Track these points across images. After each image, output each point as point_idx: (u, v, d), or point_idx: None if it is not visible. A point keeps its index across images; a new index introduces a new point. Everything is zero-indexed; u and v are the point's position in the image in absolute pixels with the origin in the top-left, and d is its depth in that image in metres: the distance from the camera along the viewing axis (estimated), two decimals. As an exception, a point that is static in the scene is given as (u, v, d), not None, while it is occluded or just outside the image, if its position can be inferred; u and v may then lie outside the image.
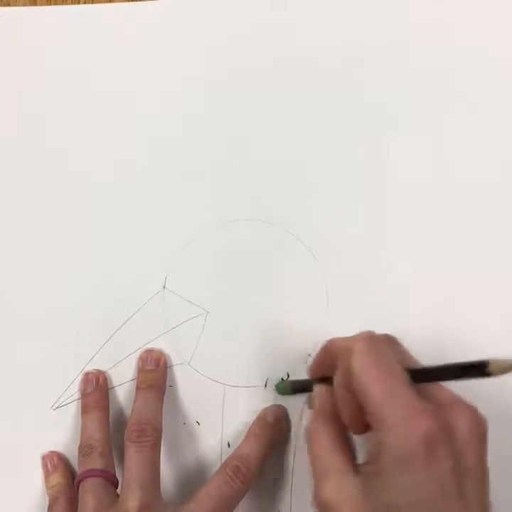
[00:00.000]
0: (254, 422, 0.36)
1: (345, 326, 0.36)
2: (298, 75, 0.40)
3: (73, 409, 0.37)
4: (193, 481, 0.37)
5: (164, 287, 0.38)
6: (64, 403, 0.38)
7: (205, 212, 0.39)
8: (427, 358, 0.36)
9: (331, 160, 0.39)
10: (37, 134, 0.40)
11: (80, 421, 0.36)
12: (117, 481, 0.34)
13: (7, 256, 0.39)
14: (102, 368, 0.38)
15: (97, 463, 0.34)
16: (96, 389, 0.37)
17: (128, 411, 0.37)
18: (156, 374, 0.37)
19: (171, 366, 0.37)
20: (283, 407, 0.36)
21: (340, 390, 0.28)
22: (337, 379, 0.29)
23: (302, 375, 0.36)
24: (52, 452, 0.37)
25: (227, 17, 0.41)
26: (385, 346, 0.28)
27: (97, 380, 0.37)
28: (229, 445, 0.37)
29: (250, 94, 0.40)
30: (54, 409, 0.38)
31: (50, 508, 0.35)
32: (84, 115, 0.40)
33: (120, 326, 0.38)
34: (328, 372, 0.30)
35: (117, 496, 0.33)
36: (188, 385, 0.37)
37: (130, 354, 0.38)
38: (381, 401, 0.26)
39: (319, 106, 0.39)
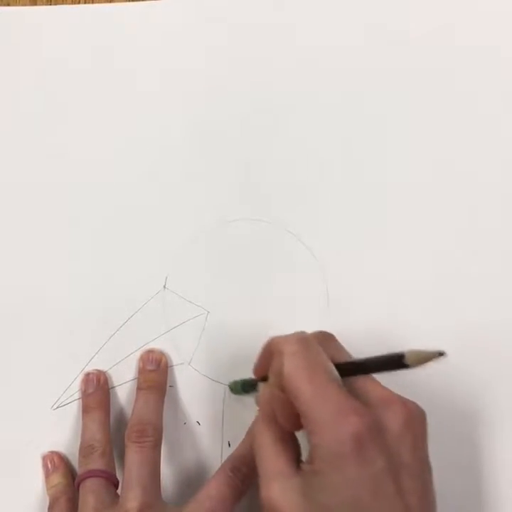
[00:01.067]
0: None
1: (346, 326, 0.37)
2: (298, 75, 0.40)
3: (73, 409, 0.37)
4: (193, 481, 0.37)
5: (165, 287, 0.38)
6: (64, 403, 0.38)
7: (206, 212, 0.39)
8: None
9: (331, 159, 0.39)
10: (36, 134, 0.40)
11: (81, 421, 0.36)
12: (118, 482, 0.34)
13: (7, 256, 0.39)
14: (102, 367, 0.38)
15: (97, 463, 0.34)
16: (97, 389, 0.37)
17: (128, 411, 0.37)
18: (156, 374, 0.37)
19: (172, 366, 0.37)
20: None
21: (273, 391, 0.28)
22: (270, 380, 0.29)
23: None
24: (53, 452, 0.37)
25: (228, 17, 0.41)
26: (315, 347, 0.28)
27: (98, 380, 0.37)
28: (229, 445, 0.37)
29: (250, 94, 0.40)
30: (54, 409, 0.37)
31: (51, 508, 0.35)
32: (83, 115, 0.40)
33: (120, 325, 0.38)
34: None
35: (118, 496, 0.33)
36: (189, 385, 0.37)
37: (130, 354, 0.38)
38: (310, 402, 0.26)
39: (319, 106, 0.39)
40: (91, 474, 0.33)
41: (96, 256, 0.39)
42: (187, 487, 0.37)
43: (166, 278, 0.38)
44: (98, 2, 0.42)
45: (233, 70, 0.40)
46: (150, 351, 0.37)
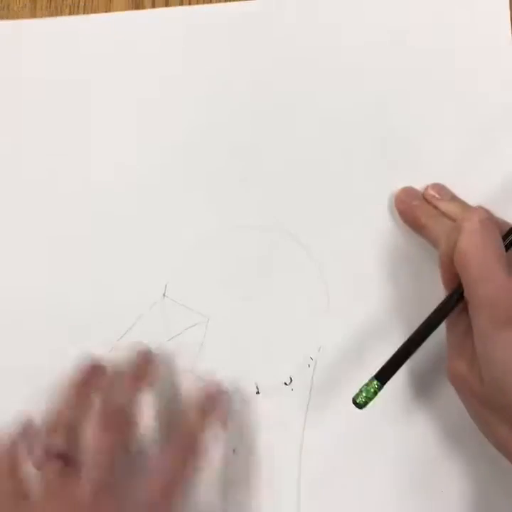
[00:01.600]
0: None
1: (347, 327, 0.36)
2: (298, 77, 0.39)
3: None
4: (197, 488, 0.36)
5: (164, 295, 0.38)
6: (68, 414, 0.38)
7: (204, 219, 0.39)
8: (428, 354, 0.35)
9: (330, 161, 0.38)
10: (37, 145, 0.40)
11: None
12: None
13: (6, 265, 0.39)
14: (105, 378, 0.38)
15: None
16: None
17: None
18: None
19: (174, 374, 0.37)
20: None
21: (442, 256, 0.32)
22: (441, 247, 0.32)
23: (304, 379, 0.36)
24: None
25: (227, 21, 0.40)
26: (493, 228, 0.30)
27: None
28: (234, 452, 0.36)
29: (251, 98, 0.39)
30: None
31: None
32: (83, 124, 0.40)
33: (121, 335, 0.38)
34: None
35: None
36: (192, 393, 0.37)
37: (132, 363, 0.38)
38: (476, 281, 0.29)
39: (319, 107, 0.39)
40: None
41: (94, 265, 0.39)
42: (191, 494, 0.36)
43: (166, 286, 0.38)
44: (95, 12, 0.42)
45: (233, 75, 0.40)
46: None
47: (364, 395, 0.31)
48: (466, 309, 0.30)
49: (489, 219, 0.30)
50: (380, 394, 0.35)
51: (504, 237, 0.31)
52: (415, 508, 0.35)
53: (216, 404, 0.36)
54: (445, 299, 0.32)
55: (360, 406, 0.31)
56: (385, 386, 0.35)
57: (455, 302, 0.31)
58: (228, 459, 0.36)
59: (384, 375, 0.31)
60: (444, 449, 0.35)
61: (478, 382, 0.29)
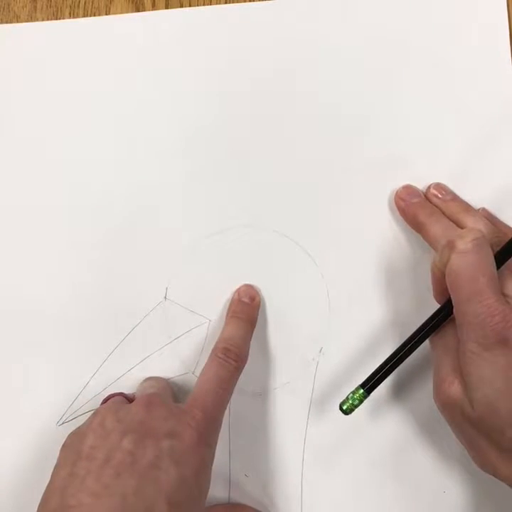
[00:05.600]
0: (230, 305, 0.37)
1: (348, 329, 0.37)
2: (297, 77, 0.40)
3: (78, 425, 0.37)
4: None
5: (165, 298, 0.38)
6: (69, 419, 0.37)
7: (204, 221, 0.39)
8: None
9: (330, 161, 0.39)
10: (38, 146, 0.40)
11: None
12: None
13: (6, 270, 0.39)
14: (106, 381, 0.38)
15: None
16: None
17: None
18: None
19: (176, 376, 0.38)
20: (253, 285, 0.38)
21: (434, 269, 0.32)
22: (434, 261, 0.32)
23: (306, 380, 0.37)
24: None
25: (227, 22, 0.41)
26: (486, 249, 0.30)
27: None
28: (237, 451, 0.37)
29: (250, 99, 0.40)
30: (59, 425, 0.37)
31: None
32: (83, 126, 0.40)
33: (123, 338, 0.38)
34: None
35: None
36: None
37: (134, 366, 0.38)
38: (465, 302, 0.29)
39: (319, 107, 0.39)
40: None
41: (95, 270, 0.39)
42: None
43: (167, 288, 0.38)
44: (95, 15, 0.41)
45: (233, 76, 0.40)
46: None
47: (350, 402, 0.32)
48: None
49: (483, 238, 0.30)
50: (382, 394, 0.36)
51: (497, 254, 0.31)
52: (417, 507, 0.36)
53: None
54: (434, 314, 0.32)
55: (345, 412, 0.32)
56: (387, 386, 0.36)
57: (444, 317, 0.32)
58: (231, 456, 0.37)
59: (370, 385, 0.32)
60: (444, 448, 0.36)
61: (469, 404, 0.29)
